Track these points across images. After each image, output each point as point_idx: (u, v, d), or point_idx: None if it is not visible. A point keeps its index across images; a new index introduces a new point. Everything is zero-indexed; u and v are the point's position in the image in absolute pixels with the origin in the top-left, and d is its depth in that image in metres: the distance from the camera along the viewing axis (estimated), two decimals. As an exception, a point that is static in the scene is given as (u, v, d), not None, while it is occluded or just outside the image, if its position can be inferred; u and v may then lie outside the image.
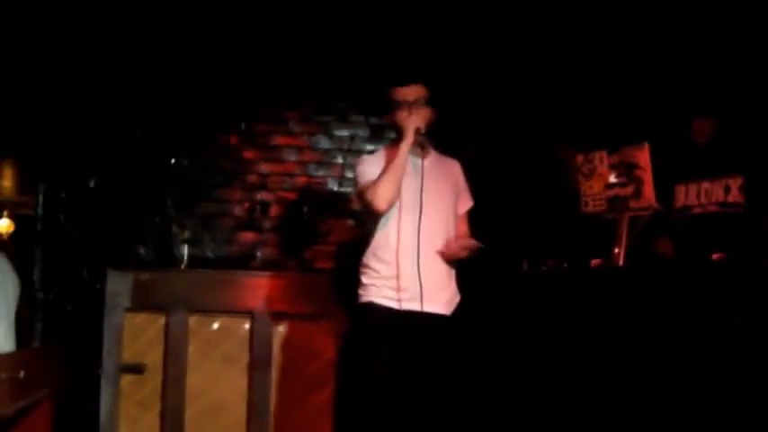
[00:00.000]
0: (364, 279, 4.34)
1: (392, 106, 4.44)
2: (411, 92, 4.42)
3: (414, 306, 4.22)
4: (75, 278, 5.72)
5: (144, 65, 6.02)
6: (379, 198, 4.20)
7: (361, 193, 4.33)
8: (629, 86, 5.87)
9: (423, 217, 4.24)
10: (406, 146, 4.29)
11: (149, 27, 6.04)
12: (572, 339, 4.49)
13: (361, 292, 4.36)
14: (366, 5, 6.22)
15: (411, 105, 4.38)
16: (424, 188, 4.27)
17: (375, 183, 4.24)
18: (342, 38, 6.28)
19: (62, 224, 5.79)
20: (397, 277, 4.23)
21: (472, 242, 4.40)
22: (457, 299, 4.43)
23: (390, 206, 4.25)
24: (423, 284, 4.21)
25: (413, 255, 4.22)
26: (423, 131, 4.33)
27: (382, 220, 4.29)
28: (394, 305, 4.22)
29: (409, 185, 4.29)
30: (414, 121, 4.31)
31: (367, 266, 4.35)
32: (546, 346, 4.68)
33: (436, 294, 4.31)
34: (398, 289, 4.22)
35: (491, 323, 5.12)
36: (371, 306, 4.26)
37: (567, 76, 6.16)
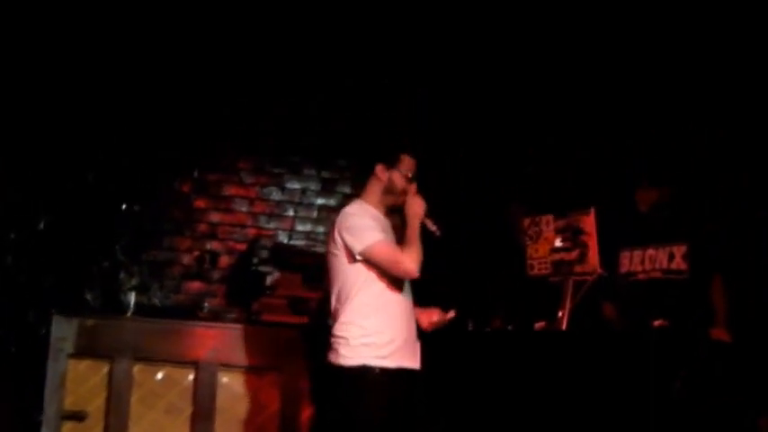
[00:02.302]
0: (353, 339, 4.21)
1: (394, 166, 4.44)
2: (416, 167, 4.48)
3: (404, 363, 4.25)
4: (19, 321, 5.63)
5: (99, 110, 6.00)
6: (418, 267, 4.23)
7: (389, 256, 4.24)
8: (577, 153, 6.00)
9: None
10: (419, 222, 4.33)
11: (103, 73, 6.02)
12: (513, 402, 4.53)
13: (346, 352, 4.20)
14: (315, 66, 6.32)
15: (413, 180, 4.44)
16: None
17: (409, 251, 4.23)
18: (295, 93, 6.36)
19: (9, 265, 5.73)
20: (391, 335, 4.23)
21: (451, 315, 4.49)
22: None
23: None
24: (408, 341, 4.27)
25: (402, 312, 4.29)
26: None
27: (370, 279, 4.26)
28: (388, 364, 4.21)
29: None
30: (422, 201, 4.38)
31: (355, 325, 4.23)
32: (487, 407, 4.71)
33: (416, 350, 4.35)
34: (391, 347, 4.23)
35: (435, 382, 5.14)
36: (367, 369, 4.16)
37: (519, 141, 6.28)
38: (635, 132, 5.61)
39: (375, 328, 4.22)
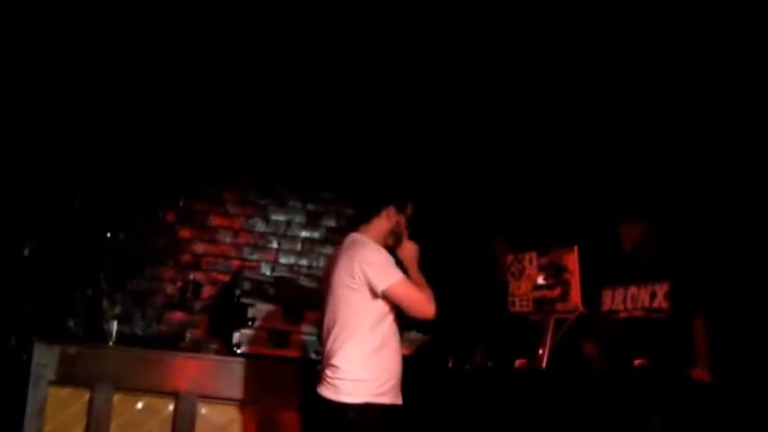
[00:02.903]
0: (356, 375, 4.22)
1: (403, 210, 4.52)
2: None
3: (396, 400, 4.31)
4: (1, 346, 5.59)
5: (86, 137, 6.03)
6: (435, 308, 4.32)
7: (414, 295, 4.30)
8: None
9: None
10: (417, 268, 4.45)
11: (90, 99, 6.05)
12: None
13: (350, 389, 4.21)
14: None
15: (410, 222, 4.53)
16: None
17: (428, 294, 4.34)
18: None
19: (-7, 291, 5.73)
20: (390, 373, 4.27)
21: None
22: None
23: None
24: (399, 378, 4.34)
25: (399, 349, 4.37)
26: None
27: (384, 315, 4.30)
28: (386, 401, 4.23)
29: None
30: (416, 245, 4.49)
31: (359, 361, 4.24)
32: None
33: (400, 385, 4.39)
34: (388, 385, 4.26)
35: (415, 419, 5.14)
36: (371, 406, 4.19)
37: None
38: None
39: (377, 365, 4.26)
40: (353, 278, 4.27)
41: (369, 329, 4.27)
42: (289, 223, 6.46)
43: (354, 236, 4.49)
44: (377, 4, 6.06)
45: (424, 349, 5.39)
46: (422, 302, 4.26)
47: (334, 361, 4.27)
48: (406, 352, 4.65)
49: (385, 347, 4.28)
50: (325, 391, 4.27)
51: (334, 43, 6.30)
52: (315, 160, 6.43)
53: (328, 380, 4.27)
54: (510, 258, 4.97)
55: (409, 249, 4.47)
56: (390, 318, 4.32)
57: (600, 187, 5.62)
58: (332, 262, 4.53)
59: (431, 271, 4.51)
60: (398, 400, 4.33)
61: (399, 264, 4.41)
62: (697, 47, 5.15)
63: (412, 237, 4.58)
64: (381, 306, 4.28)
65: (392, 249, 4.48)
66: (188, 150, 6.27)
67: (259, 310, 5.82)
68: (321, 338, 4.52)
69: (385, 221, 4.49)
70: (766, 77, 4.76)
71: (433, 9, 6.02)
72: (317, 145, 6.45)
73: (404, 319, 4.46)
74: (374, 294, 4.25)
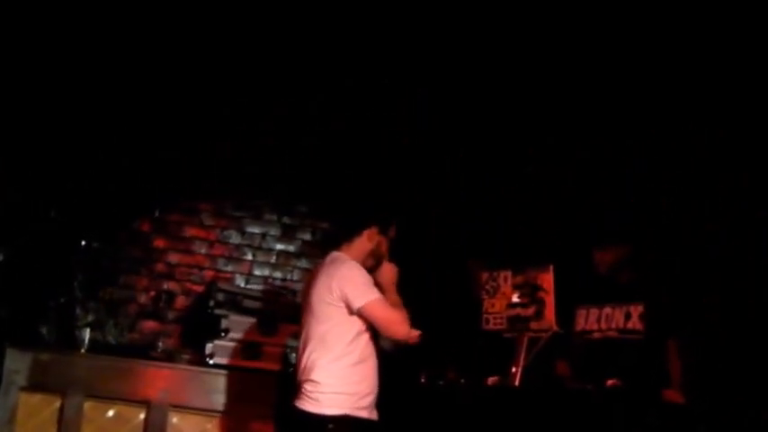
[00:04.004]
0: (335, 388, 4.25)
1: (385, 232, 4.54)
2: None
3: (373, 415, 4.35)
4: (-28, 352, 5.59)
5: (62, 145, 6.01)
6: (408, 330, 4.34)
7: (389, 315, 4.32)
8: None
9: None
10: (395, 290, 4.45)
11: (68, 107, 6.03)
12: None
13: (329, 401, 4.24)
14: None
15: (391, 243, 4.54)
16: None
17: (403, 316, 4.36)
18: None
19: (-35, 296, 5.69)
20: (368, 388, 4.30)
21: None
22: None
23: None
24: (377, 394, 4.37)
25: (376, 366, 4.39)
26: None
27: (360, 333, 4.33)
28: (364, 415, 4.26)
29: None
30: (395, 269, 4.50)
31: (338, 375, 4.28)
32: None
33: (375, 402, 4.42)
34: (367, 400, 4.30)
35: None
36: (350, 419, 4.22)
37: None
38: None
39: (356, 379, 4.29)
40: (331, 294, 4.31)
41: (346, 344, 4.30)
42: (264, 236, 6.48)
43: (335, 254, 4.52)
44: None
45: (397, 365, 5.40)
46: (396, 323, 4.29)
47: (314, 376, 4.30)
48: None
49: (364, 362, 4.32)
50: (306, 405, 4.29)
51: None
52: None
53: (308, 394, 4.29)
54: (485, 276, 4.99)
55: (388, 271, 4.49)
56: (368, 334, 4.35)
57: (578, 208, 5.66)
58: (311, 278, 4.57)
59: (406, 287, 4.53)
60: (374, 416, 4.37)
61: (378, 285, 4.45)
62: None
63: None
64: (358, 322, 4.32)
65: (372, 270, 4.50)
66: (162, 161, 6.27)
67: (232, 321, 5.82)
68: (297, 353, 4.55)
69: (366, 242, 4.52)
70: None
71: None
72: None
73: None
74: (350, 311, 4.28)
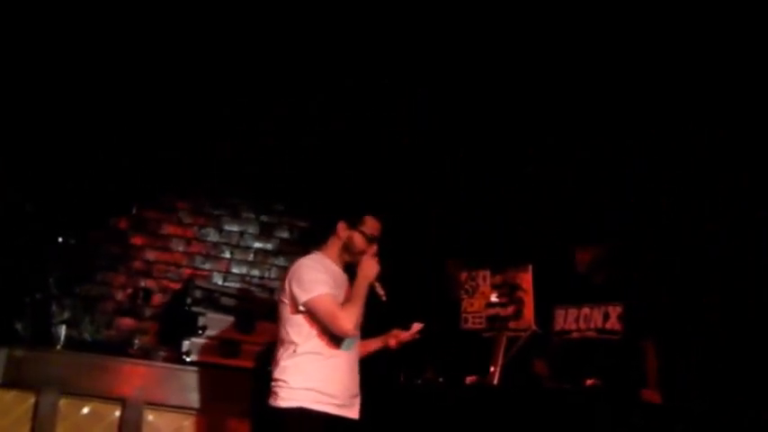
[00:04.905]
0: (294, 383, 4.23)
1: (356, 226, 4.47)
2: (380, 229, 4.50)
3: (343, 412, 4.28)
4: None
5: (41, 142, 5.98)
6: (355, 327, 4.27)
7: (329, 312, 4.25)
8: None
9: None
10: (367, 284, 4.34)
11: (47, 104, 6.00)
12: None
13: (286, 395, 4.22)
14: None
15: (374, 242, 4.47)
16: None
17: (348, 311, 4.25)
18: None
19: (-59, 292, 5.65)
20: (333, 389, 4.25)
21: (417, 327, 4.63)
22: None
23: None
24: (349, 395, 4.31)
25: (344, 366, 4.32)
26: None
27: (314, 331, 4.28)
28: (328, 410, 4.23)
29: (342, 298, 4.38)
30: (376, 266, 4.38)
31: (298, 370, 4.25)
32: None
33: (355, 402, 4.39)
34: (333, 399, 4.25)
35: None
36: (305, 411, 4.18)
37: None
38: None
39: (318, 377, 4.25)
40: (285, 293, 4.35)
41: (304, 343, 4.28)
42: (242, 234, 6.47)
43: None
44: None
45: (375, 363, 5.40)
46: (338, 320, 4.22)
47: (275, 372, 4.32)
48: None
49: (325, 362, 4.28)
50: (269, 400, 4.30)
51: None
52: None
53: (271, 389, 4.30)
54: (464, 276, 4.99)
55: (365, 268, 4.38)
56: (327, 333, 4.29)
57: (556, 209, 5.67)
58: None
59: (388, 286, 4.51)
60: (346, 414, 4.33)
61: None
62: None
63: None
64: (309, 321, 4.29)
65: (353, 266, 4.47)
66: (141, 159, 6.26)
67: (210, 319, 5.81)
68: None
69: (337, 238, 4.50)
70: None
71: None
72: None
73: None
74: (297, 309, 4.27)
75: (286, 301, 4.32)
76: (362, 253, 4.42)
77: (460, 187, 6.52)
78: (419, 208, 6.32)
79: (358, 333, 4.40)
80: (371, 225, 4.47)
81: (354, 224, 4.47)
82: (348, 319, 4.24)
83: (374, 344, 4.69)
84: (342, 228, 4.47)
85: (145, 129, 6.23)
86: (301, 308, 4.25)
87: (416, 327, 4.63)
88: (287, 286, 4.34)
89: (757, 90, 4.87)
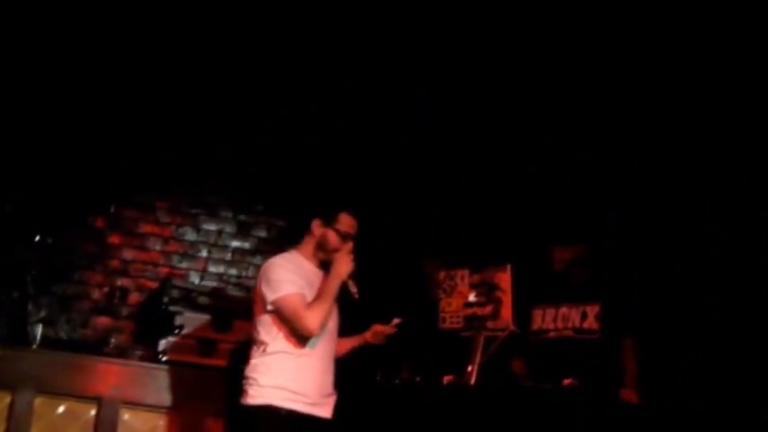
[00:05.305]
0: (263, 380, 4.23)
1: (330, 224, 4.45)
2: (356, 226, 4.48)
3: (314, 411, 4.28)
4: None
5: (17, 141, 5.95)
6: (320, 326, 4.24)
7: (294, 312, 4.23)
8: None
9: (327, 328, 4.34)
10: (338, 282, 4.33)
11: (23, 103, 5.97)
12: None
13: (255, 392, 4.23)
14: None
15: (349, 239, 4.45)
16: None
17: (313, 310, 4.23)
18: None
19: None
20: (304, 388, 4.25)
21: (395, 322, 4.66)
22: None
23: None
24: (321, 395, 4.31)
25: (317, 366, 4.32)
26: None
27: (283, 330, 4.27)
28: (298, 408, 4.23)
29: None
30: (350, 263, 4.36)
31: (268, 368, 4.25)
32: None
33: (329, 402, 4.39)
34: (303, 398, 4.24)
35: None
36: (273, 408, 4.18)
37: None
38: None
39: (288, 375, 4.24)
40: (256, 292, 4.36)
41: (273, 342, 4.28)
42: (219, 233, 6.46)
43: None
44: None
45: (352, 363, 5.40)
46: (302, 319, 4.20)
47: (246, 371, 4.32)
48: None
49: (296, 362, 4.27)
50: (240, 398, 4.30)
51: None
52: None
53: (242, 387, 4.30)
54: (442, 275, 4.99)
55: (338, 265, 4.36)
56: (297, 332, 4.28)
57: (535, 209, 5.67)
58: None
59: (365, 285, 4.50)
60: (317, 413, 4.32)
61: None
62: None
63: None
64: (278, 320, 4.28)
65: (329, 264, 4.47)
66: (119, 158, 6.24)
67: (187, 318, 5.80)
68: None
69: (311, 236, 4.49)
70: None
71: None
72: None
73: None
74: (265, 309, 4.28)
75: (257, 299, 4.33)
76: (336, 251, 4.41)
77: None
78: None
79: (334, 334, 4.42)
80: (346, 222, 4.46)
81: (329, 222, 4.45)
82: (313, 319, 4.22)
83: (352, 342, 4.69)
84: (316, 225, 4.46)
85: (124, 127, 6.21)
86: (269, 307, 4.25)
87: (396, 321, 4.64)
88: (257, 287, 4.35)
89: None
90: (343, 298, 4.39)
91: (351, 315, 4.61)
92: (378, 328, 4.70)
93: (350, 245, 4.44)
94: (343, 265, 4.35)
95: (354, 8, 6.15)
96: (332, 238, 4.43)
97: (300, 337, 4.26)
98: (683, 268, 5.07)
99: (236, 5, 6.13)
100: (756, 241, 4.73)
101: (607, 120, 5.83)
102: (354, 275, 4.38)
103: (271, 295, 4.24)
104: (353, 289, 4.39)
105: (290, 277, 4.31)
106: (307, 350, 4.28)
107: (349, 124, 6.53)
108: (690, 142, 5.25)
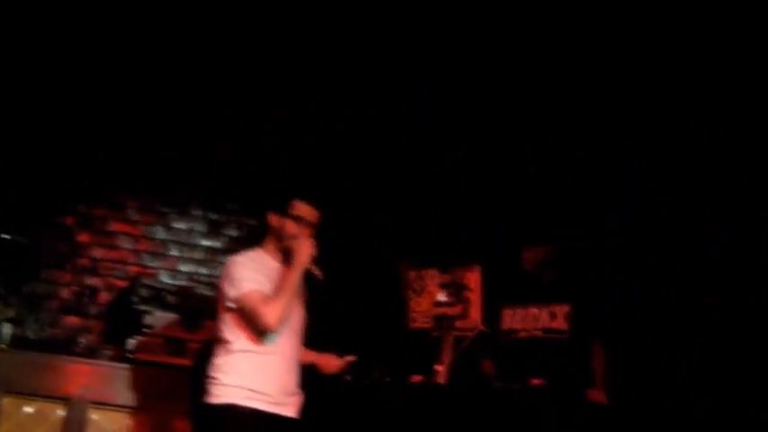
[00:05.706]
0: (225, 379, 4.20)
1: (285, 214, 4.39)
2: (314, 215, 4.43)
3: (278, 410, 4.25)
4: None
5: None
6: (278, 321, 4.19)
7: (253, 309, 4.19)
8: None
9: (290, 325, 4.32)
10: (299, 270, 4.28)
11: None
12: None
13: (217, 391, 4.20)
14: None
15: (308, 227, 4.40)
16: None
17: (271, 305, 4.19)
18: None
19: None
20: (266, 386, 4.23)
21: (349, 359, 4.61)
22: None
23: None
24: (285, 393, 4.29)
25: (281, 364, 4.28)
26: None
27: (244, 327, 4.23)
28: (260, 407, 4.21)
29: None
30: (311, 246, 4.31)
31: (230, 367, 4.22)
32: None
33: (294, 401, 4.36)
34: (266, 397, 4.23)
35: None
36: (235, 408, 4.15)
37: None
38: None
39: (250, 374, 4.22)
40: (220, 292, 4.34)
41: (236, 340, 4.25)
42: (190, 232, 6.43)
43: None
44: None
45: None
46: (260, 316, 4.16)
47: (210, 367, 4.30)
48: None
49: (259, 360, 4.24)
50: (203, 397, 4.28)
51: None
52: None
53: (206, 386, 4.28)
54: (412, 275, 5.00)
55: (298, 249, 4.29)
56: (257, 326, 4.26)
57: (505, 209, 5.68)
58: None
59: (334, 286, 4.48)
60: (281, 411, 4.29)
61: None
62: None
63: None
64: (240, 318, 4.26)
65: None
66: (88, 156, 6.21)
67: (156, 317, 5.77)
68: None
69: (272, 230, 4.45)
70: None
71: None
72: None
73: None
74: (226, 306, 4.26)
75: (220, 299, 4.31)
76: (296, 237, 4.36)
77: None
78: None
79: (299, 333, 4.39)
80: (301, 208, 4.41)
81: (283, 211, 4.40)
82: (271, 315, 4.18)
83: (309, 357, 4.64)
84: (273, 218, 4.42)
85: (94, 126, 6.18)
86: (231, 305, 4.23)
87: (348, 359, 4.61)
88: (220, 286, 4.33)
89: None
90: (311, 297, 4.37)
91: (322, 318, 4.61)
92: (331, 360, 4.67)
93: (308, 230, 4.40)
94: (304, 249, 4.29)
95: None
96: (289, 225, 4.38)
97: (259, 336, 4.23)
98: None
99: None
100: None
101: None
102: (316, 259, 4.31)
103: (232, 293, 4.23)
104: (316, 272, 4.34)
105: (250, 275, 4.28)
106: (269, 348, 4.25)
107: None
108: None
